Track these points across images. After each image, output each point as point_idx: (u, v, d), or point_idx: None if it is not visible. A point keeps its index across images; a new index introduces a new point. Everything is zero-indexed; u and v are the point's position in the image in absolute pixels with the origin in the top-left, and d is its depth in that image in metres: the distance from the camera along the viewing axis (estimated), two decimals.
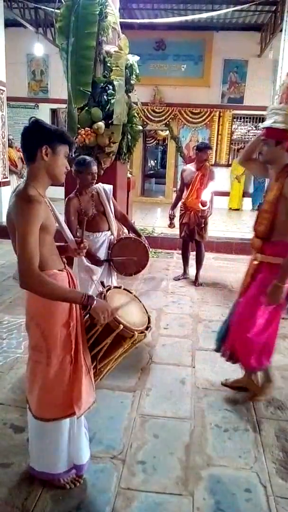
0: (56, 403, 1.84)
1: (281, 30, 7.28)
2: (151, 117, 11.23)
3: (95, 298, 1.73)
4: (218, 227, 8.42)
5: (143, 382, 2.96)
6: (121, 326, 1.76)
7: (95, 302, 1.71)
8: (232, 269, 6.12)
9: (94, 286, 2.32)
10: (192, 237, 5.23)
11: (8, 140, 8.20)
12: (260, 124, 11.48)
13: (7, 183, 7.99)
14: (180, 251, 5.60)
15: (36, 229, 1.63)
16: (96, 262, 3.17)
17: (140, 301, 2.10)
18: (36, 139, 1.70)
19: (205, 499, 1.98)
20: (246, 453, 2.30)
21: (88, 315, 1.88)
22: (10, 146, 8.29)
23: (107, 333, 1.80)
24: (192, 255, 5.47)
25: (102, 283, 2.01)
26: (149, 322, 1.96)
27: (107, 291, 1.94)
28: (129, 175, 6.53)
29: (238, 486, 2.06)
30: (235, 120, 11.46)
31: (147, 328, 1.90)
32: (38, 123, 1.72)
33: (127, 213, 5.73)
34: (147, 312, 2.02)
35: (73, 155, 4.36)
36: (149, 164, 16.95)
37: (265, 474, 2.15)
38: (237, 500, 1.98)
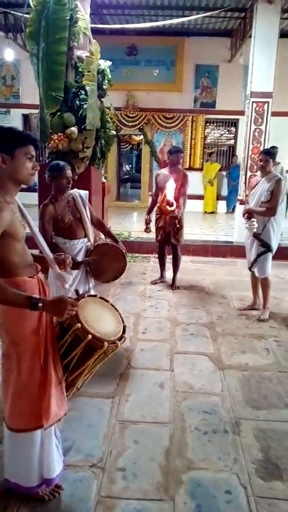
0: (26, 413, 1.80)
1: (250, 36, 7.43)
2: (124, 122, 11.26)
3: (47, 298, 1.68)
4: (194, 230, 8.49)
5: (122, 388, 2.94)
6: (90, 336, 1.73)
7: (42, 303, 1.61)
8: (209, 272, 6.18)
9: (69, 294, 2.30)
10: (168, 241, 5.25)
11: None
12: (232, 128, 11.69)
13: None
14: (156, 255, 5.61)
15: None
16: (75, 265, 3.12)
17: (117, 310, 2.07)
18: None
19: (186, 503, 1.97)
20: (226, 455, 2.31)
21: (58, 325, 1.85)
22: None
23: (77, 343, 1.77)
24: (169, 259, 5.49)
25: (76, 291, 1.98)
26: (123, 332, 1.93)
27: (80, 299, 1.90)
28: (104, 180, 6.52)
29: (219, 488, 2.07)
30: (208, 124, 11.61)
31: (120, 339, 1.87)
32: None
33: (102, 218, 5.71)
34: (123, 322, 2.00)
35: (46, 161, 4.32)
36: (124, 169, 16.97)
37: (245, 475, 2.17)
38: (217, 503, 1.99)
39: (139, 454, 2.28)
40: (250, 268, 4.45)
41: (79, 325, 1.73)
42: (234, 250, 6.97)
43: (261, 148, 7.13)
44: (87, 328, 1.74)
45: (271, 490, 2.08)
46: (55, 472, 1.96)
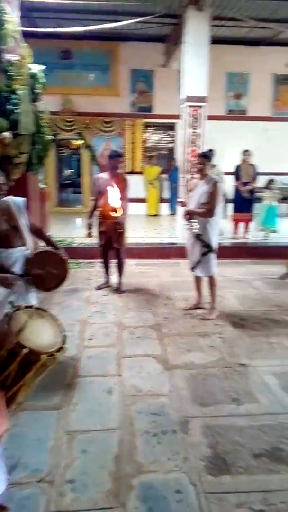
0: None
1: (182, 42, 7.61)
2: (62, 126, 11.09)
3: None
4: (138, 233, 8.52)
5: (69, 397, 2.87)
6: (25, 350, 1.67)
7: None
8: (154, 274, 6.23)
9: (3, 307, 2.21)
10: (111, 245, 5.23)
11: None
12: (171, 131, 11.90)
13: None
14: (101, 260, 5.57)
15: None
16: (12, 280, 3.01)
17: (56, 320, 2.01)
18: None
19: (137, 508, 1.96)
20: (175, 454, 2.33)
21: None
22: None
23: (13, 357, 1.70)
24: (114, 263, 5.47)
25: (11, 302, 1.90)
26: (63, 342, 1.87)
27: (15, 311, 1.83)
28: (43, 186, 6.38)
29: (169, 489, 2.07)
30: (147, 128, 11.73)
31: (59, 350, 1.81)
32: None
33: (43, 225, 5.58)
34: (63, 331, 1.94)
35: None
36: (64, 174, 16.71)
37: (194, 473, 2.19)
38: (169, 503, 1.99)
39: (88, 464, 2.23)
40: (192, 269, 4.53)
41: (14, 339, 1.66)
42: (177, 251, 7.07)
43: (198, 151, 7.33)
44: (22, 341, 1.67)
45: (220, 485, 2.12)
46: None
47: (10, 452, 2.22)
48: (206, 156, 4.43)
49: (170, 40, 10.14)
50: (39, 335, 1.81)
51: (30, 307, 2.03)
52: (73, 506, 1.96)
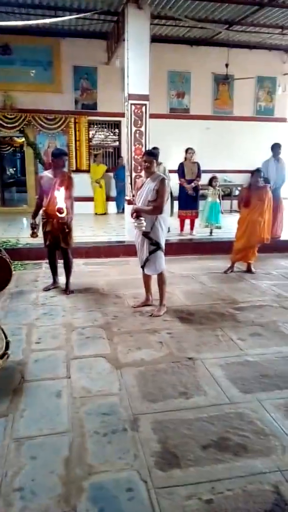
0: None
1: (124, 39, 7.62)
2: (3, 123, 10.73)
3: None
4: (85, 232, 8.45)
5: (16, 404, 2.79)
6: None
7: None
8: (103, 273, 6.21)
9: None
10: (57, 245, 5.14)
11: None
12: (116, 129, 11.88)
13: None
14: (47, 261, 5.46)
15: None
16: None
17: None
18: None
19: (88, 510, 1.95)
20: (126, 453, 2.34)
21: None
22: None
23: None
24: (61, 263, 5.38)
25: None
26: (6, 348, 1.82)
27: None
28: None
29: (120, 488, 2.08)
30: (91, 126, 11.63)
31: (2, 356, 1.76)
32: None
33: None
34: (5, 338, 1.89)
35: None
36: (8, 172, 16.20)
37: (145, 469, 2.21)
38: (120, 502, 2.00)
39: (37, 470, 2.19)
40: (142, 267, 4.56)
41: None
42: (126, 250, 7.10)
43: (143, 149, 7.38)
44: None
45: (170, 479, 2.15)
46: None
47: None
48: (152, 154, 4.46)
49: (112, 37, 10.11)
50: None
51: None
52: None
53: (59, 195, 4.67)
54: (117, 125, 11.68)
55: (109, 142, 12.14)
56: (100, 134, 11.97)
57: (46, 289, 5.35)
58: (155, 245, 4.39)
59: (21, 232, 8.01)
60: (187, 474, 2.19)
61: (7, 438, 2.44)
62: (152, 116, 7.69)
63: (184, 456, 2.32)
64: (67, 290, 5.25)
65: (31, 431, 2.51)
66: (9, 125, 10.81)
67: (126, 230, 7.74)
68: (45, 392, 2.95)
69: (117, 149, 12.05)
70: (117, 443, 2.42)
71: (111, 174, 11.58)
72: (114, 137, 12.11)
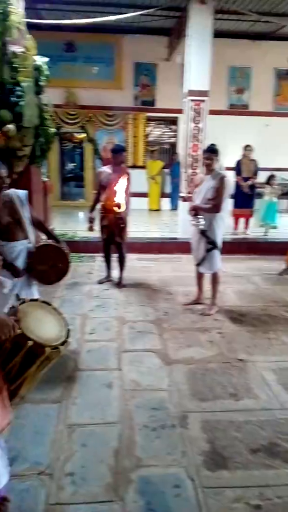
0: None
1: (186, 35, 7.57)
2: (65, 119, 11.05)
3: None
4: (139, 228, 8.52)
5: (69, 391, 2.89)
6: (30, 343, 1.68)
7: None
8: (155, 269, 6.24)
9: (9, 300, 2.22)
10: (113, 239, 5.23)
11: None
12: (173, 126, 11.85)
13: None
14: (102, 254, 5.58)
15: None
16: (17, 273, 3.03)
17: (60, 313, 2.03)
18: None
19: (135, 502, 1.98)
20: (174, 449, 2.35)
21: None
22: None
23: (17, 350, 1.71)
24: (115, 257, 5.48)
25: (17, 295, 1.91)
26: (67, 336, 1.88)
27: (20, 304, 1.84)
28: (46, 179, 6.37)
29: (167, 483, 2.10)
30: (149, 122, 11.69)
31: (63, 343, 1.82)
32: None
33: (45, 218, 5.59)
34: (66, 326, 1.95)
35: None
36: (67, 167, 16.67)
37: (192, 467, 2.22)
38: (166, 497, 2.02)
39: (87, 457, 2.26)
40: (198, 265, 4.53)
41: (19, 331, 1.67)
42: (179, 247, 7.09)
43: (200, 146, 7.31)
44: (27, 334, 1.69)
45: (217, 480, 2.14)
46: (0, 484, 1.89)
47: (10, 444, 2.23)
48: (214, 151, 4.37)
49: (174, 33, 10.07)
50: (43, 328, 1.82)
51: (35, 300, 2.04)
52: (72, 499, 1.99)
53: (117, 190, 4.75)
54: (174, 121, 11.64)
55: (165, 138, 12.15)
56: (157, 130, 12.00)
57: (100, 282, 5.47)
58: (211, 244, 4.35)
59: (78, 226, 8.24)
60: (235, 477, 2.16)
61: (61, 423, 2.54)
62: (211, 112, 7.58)
63: (232, 458, 2.30)
64: (120, 284, 5.34)
65: (83, 418, 2.60)
66: (70, 122, 11.11)
67: (180, 227, 7.72)
68: (97, 382, 3.03)
69: (173, 146, 12.02)
70: (165, 439, 2.44)
71: (167, 170, 11.58)
72: (170, 133, 12.09)
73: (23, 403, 2.59)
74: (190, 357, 3.46)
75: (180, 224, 7.70)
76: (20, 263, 3.18)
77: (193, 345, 3.70)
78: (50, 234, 3.46)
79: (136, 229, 7.90)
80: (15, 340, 1.69)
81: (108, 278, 5.54)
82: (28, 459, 2.23)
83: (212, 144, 4.54)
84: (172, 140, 12.07)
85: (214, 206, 4.21)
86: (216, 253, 4.40)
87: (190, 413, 2.69)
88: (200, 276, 4.69)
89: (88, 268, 6.17)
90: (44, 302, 2.06)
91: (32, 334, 1.71)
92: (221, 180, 4.22)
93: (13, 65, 4.68)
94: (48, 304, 2.06)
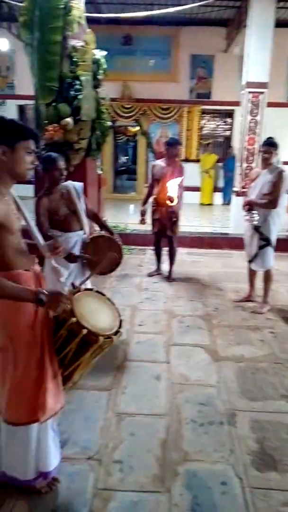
0: (22, 407, 1.80)
1: (245, 26, 7.36)
2: (120, 113, 11.16)
3: (46, 291, 1.66)
4: (190, 222, 8.47)
5: (118, 380, 2.94)
6: (85, 331, 1.72)
7: (45, 297, 1.63)
8: (205, 264, 6.18)
9: (65, 288, 2.28)
10: (164, 233, 5.23)
11: None
12: (228, 118, 11.61)
13: None
14: (153, 247, 5.60)
15: None
16: (73, 258, 3.10)
17: (113, 304, 2.06)
18: None
19: (182, 495, 1.99)
20: (222, 446, 2.32)
21: (53, 319, 1.84)
22: None
23: (72, 337, 1.76)
24: (165, 251, 5.48)
25: (73, 284, 1.96)
26: (120, 326, 1.91)
27: (75, 293, 1.88)
28: (100, 172, 6.48)
29: (214, 479, 2.08)
30: (204, 115, 11.53)
31: (116, 333, 1.85)
32: None
33: (99, 210, 5.69)
34: (119, 316, 1.98)
35: (41, 152, 4.28)
36: (120, 160, 16.87)
37: (240, 466, 2.18)
38: (213, 494, 2.00)
39: (135, 446, 2.29)
40: (250, 261, 4.43)
41: (74, 319, 1.72)
42: (230, 242, 6.97)
43: (257, 139, 7.11)
44: (82, 322, 1.73)
45: (266, 481, 2.09)
46: (52, 465, 1.97)
47: (62, 427, 2.31)
48: (273, 145, 4.21)
49: (232, 24, 9.84)
50: (98, 317, 1.86)
51: (90, 289, 2.08)
52: (120, 486, 2.02)
53: (171, 184, 4.74)
54: (230, 114, 11.42)
55: (219, 131, 11.94)
56: (211, 123, 11.81)
57: (150, 275, 5.50)
58: (265, 241, 4.23)
59: (129, 218, 8.32)
60: (285, 480, 2.10)
61: (110, 411, 2.59)
62: (268, 104, 7.34)
63: (283, 460, 2.24)
64: (169, 278, 5.34)
65: (131, 408, 2.63)
66: (125, 115, 11.21)
67: (232, 222, 7.57)
68: (145, 373, 3.05)
69: (228, 139, 11.79)
70: (213, 435, 2.41)
71: (220, 164, 11.38)
72: (225, 126, 11.87)
73: (75, 388, 2.66)
74: (240, 355, 3.39)
75: (232, 219, 7.56)
76: (75, 253, 3.26)
77: (243, 343, 3.63)
78: (104, 226, 3.52)
79: (187, 223, 7.84)
80: (71, 327, 1.75)
81: (158, 271, 5.56)
82: (78, 444, 2.29)
83: (270, 137, 4.38)
84: (227, 133, 11.85)
85: (270, 201, 4.08)
86: (270, 250, 4.27)
87: (239, 411, 2.64)
88: (252, 273, 4.58)
89: (138, 261, 6.21)
90: (98, 292, 2.10)
91: (87, 323, 1.75)
92: (279, 174, 4.08)
93: (73, 59, 4.79)
94: (102, 294, 2.10)
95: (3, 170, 1.68)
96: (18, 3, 6.62)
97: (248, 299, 4.63)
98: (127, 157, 18.21)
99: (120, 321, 1.94)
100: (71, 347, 1.78)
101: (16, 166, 1.68)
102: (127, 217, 8.73)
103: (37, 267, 1.88)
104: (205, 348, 3.51)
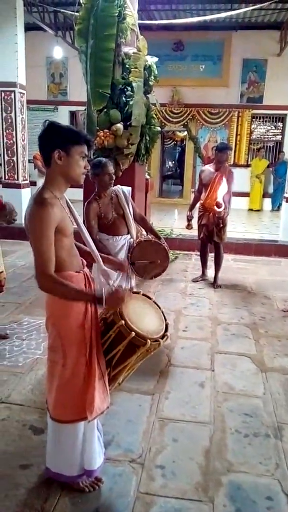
0: (70, 405, 1.84)
1: None
2: (169, 118, 11.20)
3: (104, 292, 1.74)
4: (237, 228, 8.34)
5: (162, 385, 2.93)
6: (133, 334, 1.73)
7: (105, 296, 1.72)
8: (252, 271, 6.05)
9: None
10: (210, 239, 5.18)
11: None
12: (279, 123, 11.34)
13: (26, 185, 8.08)
14: (198, 253, 5.55)
15: (50, 232, 1.65)
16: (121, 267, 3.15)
17: (159, 307, 2.07)
18: (49, 143, 1.70)
19: (225, 506, 1.94)
20: (267, 459, 2.26)
21: (102, 321, 1.88)
22: None
23: (120, 339, 1.78)
24: (211, 257, 5.42)
25: (120, 287, 1.98)
26: (166, 330, 1.91)
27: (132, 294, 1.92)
28: (147, 176, 6.52)
29: (259, 493, 2.02)
30: (254, 119, 11.34)
31: (162, 337, 1.86)
32: (51, 126, 1.72)
33: (145, 214, 5.71)
34: (165, 320, 1.98)
35: (92, 157, 4.37)
36: (167, 165, 16.91)
37: (287, 481, 2.11)
38: (258, 508, 1.94)
39: (178, 453, 2.27)
40: None
41: (122, 322, 1.74)
42: (278, 249, 6.78)
43: None
44: (131, 325, 1.75)
45: None
46: (96, 464, 1.99)
47: (106, 429, 2.34)
48: None
49: (286, 27, 9.61)
50: (145, 320, 1.87)
51: (137, 293, 2.10)
52: (162, 492, 2.01)
53: (220, 189, 4.68)
54: (282, 118, 11.15)
55: (270, 136, 11.68)
56: (261, 128, 11.58)
57: (195, 280, 5.46)
58: None
59: (175, 223, 8.31)
60: None
61: (153, 415, 2.58)
62: None
63: None
64: (215, 284, 5.27)
65: (174, 414, 2.61)
66: (174, 120, 11.24)
67: (281, 229, 7.36)
68: (189, 380, 3.03)
69: (279, 144, 11.50)
70: (258, 447, 2.35)
71: (271, 169, 11.13)
72: (276, 131, 11.59)
73: (119, 391, 2.69)
74: None
75: (282, 226, 7.35)
76: (122, 257, 3.30)
77: None
78: (151, 230, 3.54)
79: (233, 229, 7.73)
80: (119, 329, 1.77)
81: (203, 277, 5.50)
82: (121, 446, 2.31)
83: None
84: (278, 138, 11.57)
85: None
86: None
87: (286, 425, 2.55)
88: None
89: (183, 266, 6.19)
90: (144, 295, 2.11)
91: (135, 325, 1.76)
92: None
93: (125, 66, 4.86)
94: (149, 298, 2.11)
95: (58, 174, 1.73)
96: (73, 13, 6.83)
97: None
98: (174, 162, 18.20)
99: (167, 325, 1.94)
100: (119, 348, 1.80)
101: (71, 170, 1.73)
102: (173, 221, 8.72)
103: (86, 269, 1.92)
104: (251, 357, 3.43)
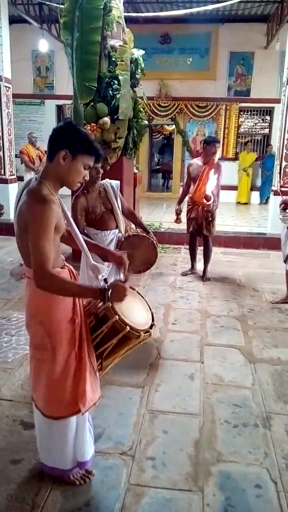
0: (62, 400, 1.84)
1: (287, 21, 7.18)
2: (157, 111, 11.17)
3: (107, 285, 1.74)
4: (226, 221, 8.38)
5: (152, 377, 2.95)
6: (128, 328, 1.75)
7: (110, 290, 1.71)
8: (241, 264, 6.09)
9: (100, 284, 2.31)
10: (199, 232, 5.19)
11: (32, 138, 8.40)
12: (267, 116, 11.38)
13: (13, 180, 8.01)
14: (187, 246, 5.57)
15: (51, 229, 1.63)
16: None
17: (143, 297, 2.08)
18: (61, 141, 1.68)
19: (215, 495, 1.97)
20: (256, 449, 2.29)
21: (92, 315, 1.88)
22: (31, 143, 8.40)
23: (113, 334, 1.79)
24: (200, 250, 5.44)
25: (105, 280, 1.98)
26: (152, 319, 1.93)
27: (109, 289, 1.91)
28: (136, 170, 6.51)
29: (248, 482, 2.05)
30: (242, 113, 11.36)
31: (151, 327, 1.88)
32: (69, 125, 1.71)
33: (134, 208, 5.71)
34: (150, 309, 2.00)
35: None
36: (155, 159, 16.86)
37: (275, 470, 2.14)
38: (247, 496, 1.97)
39: (168, 444, 2.29)
40: (285, 261, 4.34)
41: (116, 317, 1.74)
42: (267, 242, 6.83)
43: None
44: (125, 320, 1.76)
45: None
46: (88, 454, 2.01)
47: (96, 422, 2.35)
48: None
49: (273, 20, 9.62)
50: (135, 312, 1.89)
51: None
52: (152, 483, 2.03)
53: (208, 183, 4.69)
54: (270, 111, 11.18)
55: (257, 129, 11.72)
56: (249, 121, 11.62)
57: (184, 274, 5.48)
58: None
59: (164, 217, 8.31)
60: None
61: (143, 408, 2.60)
62: None
63: None
64: (204, 277, 5.29)
65: (165, 406, 2.63)
66: (162, 113, 11.22)
67: (269, 221, 7.42)
68: (179, 372, 3.05)
69: (266, 137, 11.55)
70: (247, 437, 2.38)
71: (259, 162, 11.18)
72: (263, 124, 11.64)
73: (109, 384, 2.71)
74: (277, 358, 3.32)
75: (270, 219, 7.40)
76: None
77: (280, 345, 3.55)
78: (139, 224, 3.54)
79: (222, 222, 7.77)
80: (113, 324, 1.77)
81: (192, 271, 5.53)
82: (112, 438, 2.32)
83: None
84: (265, 131, 11.61)
85: None
86: None
87: (274, 414, 2.59)
88: None
89: (172, 260, 6.20)
90: (131, 288, 2.13)
91: (127, 319, 1.78)
92: None
93: (112, 59, 4.83)
94: (133, 288, 2.12)
95: (56, 173, 1.71)
96: (59, 5, 6.75)
97: (286, 300, 4.52)
98: (162, 156, 18.15)
99: (152, 314, 1.96)
100: (112, 342, 1.81)
101: (69, 175, 1.72)
102: (162, 215, 8.72)
103: (68, 265, 1.92)
104: (240, 349, 3.46)
